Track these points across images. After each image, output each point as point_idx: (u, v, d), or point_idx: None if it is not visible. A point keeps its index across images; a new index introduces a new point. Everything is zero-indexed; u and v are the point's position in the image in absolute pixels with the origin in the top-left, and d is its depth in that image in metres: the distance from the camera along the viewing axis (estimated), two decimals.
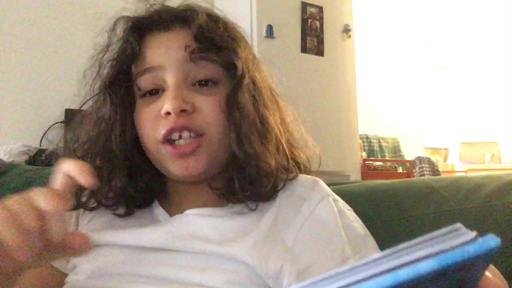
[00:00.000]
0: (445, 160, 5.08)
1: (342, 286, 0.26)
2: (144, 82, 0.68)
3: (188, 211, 0.68)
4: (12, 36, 2.59)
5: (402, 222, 0.81)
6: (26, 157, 2.26)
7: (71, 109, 2.42)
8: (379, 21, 5.23)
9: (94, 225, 0.71)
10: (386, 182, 0.92)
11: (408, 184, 0.89)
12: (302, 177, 0.71)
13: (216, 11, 0.74)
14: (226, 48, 0.68)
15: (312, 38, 3.06)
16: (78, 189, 0.69)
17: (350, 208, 0.70)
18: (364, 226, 0.68)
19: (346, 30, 3.23)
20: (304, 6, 3.04)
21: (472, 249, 0.25)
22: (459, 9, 5.52)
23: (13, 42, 2.59)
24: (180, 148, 0.65)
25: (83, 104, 0.73)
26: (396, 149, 4.68)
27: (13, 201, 0.44)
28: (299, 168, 0.74)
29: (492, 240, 0.26)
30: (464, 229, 0.27)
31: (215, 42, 0.67)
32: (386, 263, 0.26)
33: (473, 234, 0.27)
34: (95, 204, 0.71)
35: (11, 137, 2.42)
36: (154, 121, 0.66)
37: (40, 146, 2.50)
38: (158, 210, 0.71)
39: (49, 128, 2.56)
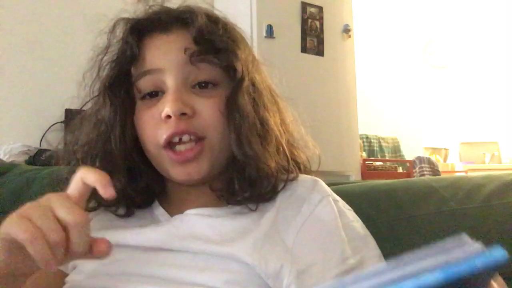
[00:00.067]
0: (445, 160, 5.08)
1: None
2: (144, 84, 0.68)
3: (188, 211, 0.68)
4: (12, 36, 2.59)
5: (402, 222, 0.81)
6: (26, 157, 2.26)
7: (71, 109, 2.42)
8: (379, 21, 5.23)
9: (94, 225, 0.71)
10: (386, 182, 0.92)
11: (408, 184, 0.90)
12: (302, 177, 0.71)
13: (216, 12, 0.74)
14: (225, 50, 0.68)
15: (312, 38, 3.06)
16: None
17: (350, 208, 0.70)
18: (364, 226, 0.68)
19: (346, 30, 3.23)
20: (304, 6, 3.04)
21: (479, 262, 0.25)
22: (459, 9, 5.52)
23: (13, 42, 2.59)
24: (182, 154, 0.65)
25: (84, 105, 0.73)
26: (396, 149, 4.67)
27: (35, 212, 0.45)
28: (299, 168, 0.74)
29: (499, 253, 0.25)
30: (470, 240, 0.27)
31: (214, 44, 0.67)
32: (391, 273, 0.26)
33: (479, 246, 0.26)
34: (96, 204, 0.71)
35: (11, 137, 2.42)
36: (155, 125, 0.66)
37: (40, 146, 2.50)
38: (159, 210, 0.71)
39: (49, 128, 2.56)
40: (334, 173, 2.92)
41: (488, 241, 0.79)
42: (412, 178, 1.24)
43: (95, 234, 0.68)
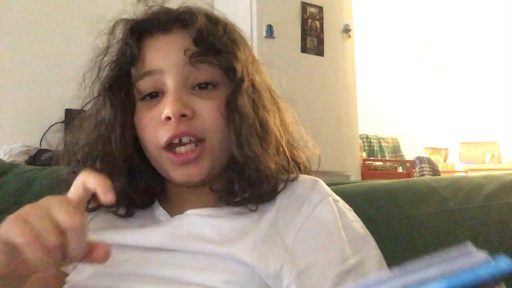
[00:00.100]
0: (445, 160, 5.07)
1: None
2: (144, 85, 0.68)
3: (189, 212, 0.68)
4: (12, 37, 2.59)
5: (402, 222, 0.81)
6: (26, 157, 2.26)
7: (71, 109, 2.42)
8: (379, 21, 5.23)
9: (95, 226, 0.71)
10: (386, 182, 0.92)
11: (408, 184, 0.90)
12: (302, 177, 0.71)
13: (216, 13, 0.74)
14: (225, 51, 0.68)
15: (312, 38, 3.06)
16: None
17: (350, 208, 0.70)
18: (364, 226, 0.68)
19: (346, 30, 3.23)
20: (304, 6, 3.04)
21: (483, 272, 0.25)
22: (459, 9, 5.52)
23: (13, 42, 2.59)
24: (183, 156, 0.65)
25: (84, 105, 0.73)
26: (396, 149, 4.67)
27: (34, 215, 0.45)
28: (299, 169, 0.74)
29: (504, 263, 0.25)
30: (474, 249, 0.27)
31: (214, 45, 0.67)
32: (394, 282, 0.25)
33: (484, 255, 0.26)
34: (96, 204, 0.71)
35: (11, 137, 2.43)
36: (155, 126, 0.66)
37: (40, 146, 2.50)
38: (159, 211, 0.71)
39: (49, 128, 2.56)
40: (334, 173, 2.92)
41: (488, 241, 0.79)
42: (412, 178, 1.24)
43: (96, 234, 0.68)
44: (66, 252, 0.46)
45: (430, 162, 3.92)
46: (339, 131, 3.10)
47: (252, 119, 0.66)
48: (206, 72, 0.67)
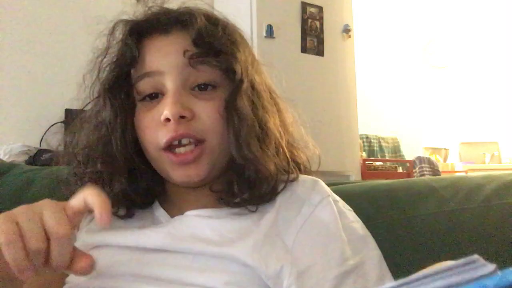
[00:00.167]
0: (445, 160, 5.08)
1: None
2: (144, 86, 0.68)
3: (189, 212, 0.68)
4: (12, 37, 2.59)
5: (402, 222, 0.81)
6: (26, 157, 2.26)
7: (71, 109, 2.42)
8: (379, 21, 5.23)
9: (95, 226, 0.71)
10: (386, 182, 0.92)
11: (408, 184, 0.89)
12: (302, 177, 0.71)
13: (216, 13, 0.73)
14: (225, 52, 0.67)
15: (312, 38, 3.06)
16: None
17: (350, 208, 0.70)
18: (364, 226, 0.68)
19: (346, 30, 3.23)
20: (304, 6, 3.04)
21: (490, 284, 0.24)
22: (459, 9, 5.52)
23: (14, 43, 2.59)
24: (182, 156, 0.65)
25: (84, 106, 0.73)
26: (396, 149, 4.67)
27: (24, 215, 0.45)
28: (299, 169, 0.74)
29: (511, 275, 0.25)
30: (482, 261, 0.26)
31: (214, 46, 0.67)
32: None
33: (491, 267, 0.26)
34: None
35: (11, 137, 2.43)
36: (155, 128, 0.66)
37: (40, 146, 2.50)
38: (159, 211, 0.71)
39: (49, 128, 2.56)
40: (334, 173, 2.92)
41: (488, 241, 0.79)
42: (412, 178, 1.24)
43: (96, 235, 0.68)
44: (48, 259, 0.46)
45: (430, 162, 3.92)
46: (339, 131, 3.10)
47: (252, 120, 0.66)
48: (205, 73, 0.67)
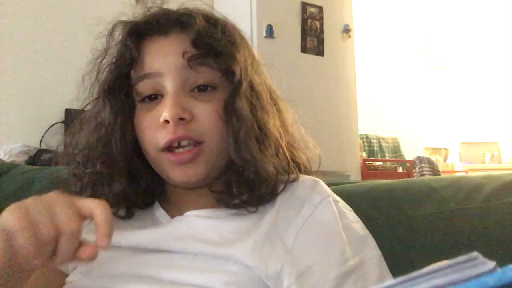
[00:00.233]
0: (445, 160, 5.08)
1: None
2: (143, 87, 0.68)
3: (188, 213, 0.68)
4: (12, 37, 2.59)
5: (402, 222, 0.81)
6: (26, 157, 2.26)
7: (71, 109, 2.42)
8: (379, 21, 5.23)
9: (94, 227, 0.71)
10: (386, 182, 0.92)
11: (408, 184, 0.89)
12: (303, 178, 0.70)
13: (215, 13, 0.73)
14: (224, 54, 0.67)
15: (312, 38, 3.06)
16: (78, 191, 0.70)
17: (350, 208, 0.70)
18: (364, 226, 0.68)
19: (346, 30, 3.23)
20: (304, 6, 3.04)
21: (491, 281, 0.24)
22: (459, 9, 5.52)
23: (14, 43, 2.59)
24: (180, 155, 0.65)
25: (85, 106, 0.73)
26: (396, 149, 4.68)
27: (34, 205, 0.46)
28: (299, 169, 0.73)
29: (511, 272, 0.25)
30: (482, 258, 0.26)
31: (213, 47, 0.67)
32: None
33: (491, 264, 0.26)
34: None
35: (11, 137, 2.42)
36: (154, 129, 0.66)
37: (40, 146, 2.50)
38: (159, 212, 0.71)
39: (49, 128, 2.56)
40: (334, 173, 2.92)
41: (488, 241, 0.79)
42: (412, 178, 1.24)
43: (93, 237, 0.68)
44: (55, 251, 0.46)
45: (430, 162, 3.92)
46: (339, 131, 3.10)
47: (250, 122, 0.66)
48: (205, 75, 0.67)
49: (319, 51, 3.08)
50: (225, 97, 0.67)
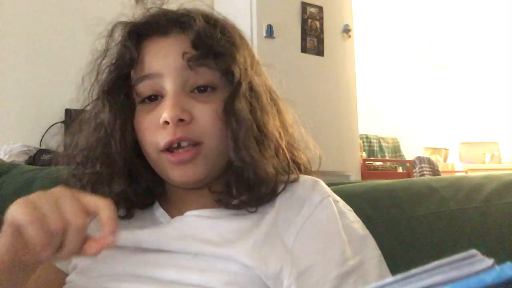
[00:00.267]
0: (445, 160, 5.08)
1: None
2: (143, 88, 0.68)
3: (188, 213, 0.68)
4: (12, 37, 2.59)
5: (402, 222, 0.81)
6: (26, 157, 2.26)
7: (71, 109, 2.42)
8: (379, 21, 5.23)
9: (95, 226, 0.71)
10: (386, 182, 0.92)
11: (408, 184, 0.89)
12: (303, 178, 0.70)
13: (215, 13, 0.73)
14: (224, 54, 0.67)
15: (312, 38, 3.06)
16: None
17: (350, 208, 0.70)
18: (364, 226, 0.68)
19: (346, 30, 3.23)
20: (304, 6, 3.04)
21: (489, 278, 0.24)
22: (459, 9, 5.52)
23: (14, 43, 2.60)
24: (179, 155, 0.65)
25: (85, 107, 0.73)
26: (396, 149, 4.68)
27: (41, 199, 0.47)
28: (300, 169, 0.73)
29: (510, 269, 0.25)
30: (480, 256, 0.26)
31: (213, 48, 0.67)
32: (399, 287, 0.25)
33: (489, 261, 0.26)
34: None
35: (11, 137, 2.43)
36: (154, 130, 0.66)
37: (40, 146, 2.50)
38: (159, 212, 0.71)
39: (49, 128, 2.56)
40: (334, 173, 2.92)
41: (487, 241, 0.79)
42: (412, 178, 1.24)
43: (96, 234, 0.68)
44: (62, 245, 0.47)
45: (430, 162, 3.92)
46: (339, 131, 3.10)
47: (250, 123, 0.66)
48: (205, 75, 0.67)
49: (319, 51, 3.08)
50: (225, 97, 0.67)
